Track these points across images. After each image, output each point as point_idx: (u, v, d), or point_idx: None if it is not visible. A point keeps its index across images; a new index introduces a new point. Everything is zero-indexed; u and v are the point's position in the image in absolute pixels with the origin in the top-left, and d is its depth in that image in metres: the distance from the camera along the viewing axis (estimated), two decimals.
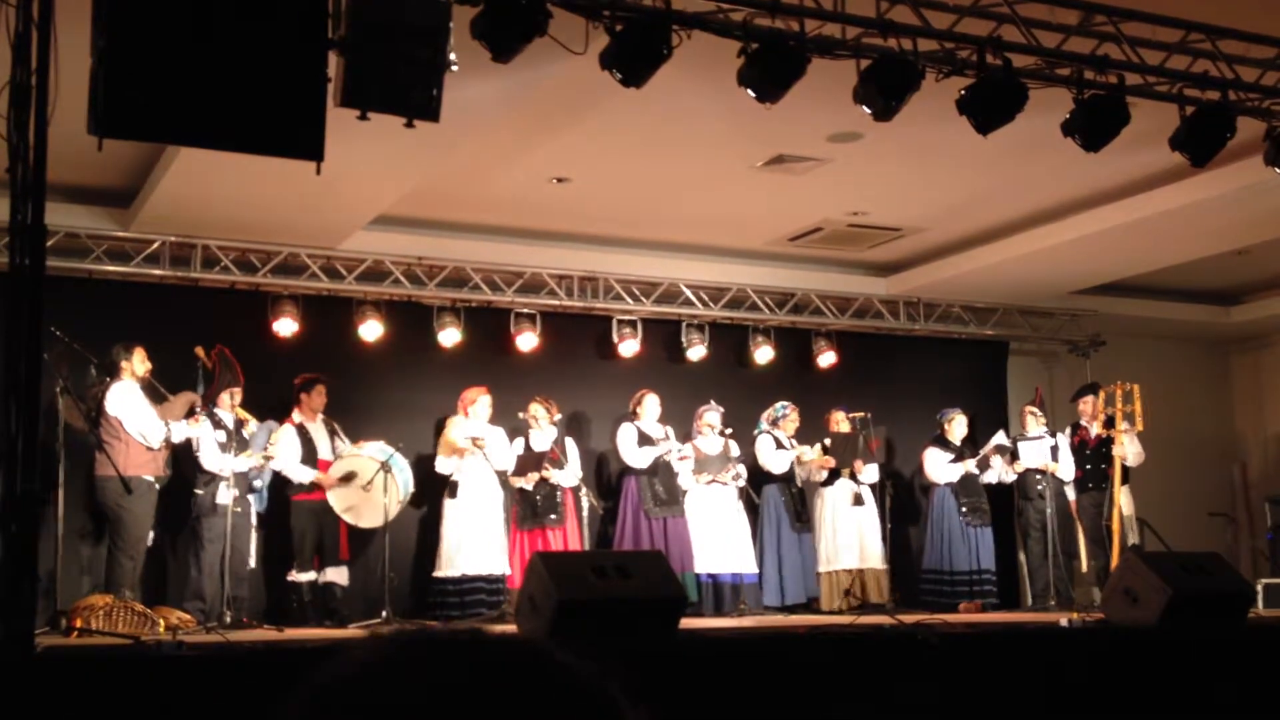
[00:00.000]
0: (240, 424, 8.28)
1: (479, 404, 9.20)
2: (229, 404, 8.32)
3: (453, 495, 9.04)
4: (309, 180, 5.31)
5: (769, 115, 6.35)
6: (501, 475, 9.19)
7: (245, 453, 8.22)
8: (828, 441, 10.25)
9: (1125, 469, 9.94)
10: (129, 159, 8.08)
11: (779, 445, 10.09)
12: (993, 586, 10.32)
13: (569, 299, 10.24)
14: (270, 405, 8.86)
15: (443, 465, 9.09)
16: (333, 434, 8.96)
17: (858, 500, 10.15)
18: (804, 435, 10.25)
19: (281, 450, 8.63)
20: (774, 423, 10.17)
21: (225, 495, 8.15)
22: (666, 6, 5.56)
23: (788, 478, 10.11)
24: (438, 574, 9.01)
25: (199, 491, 8.33)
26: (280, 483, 8.77)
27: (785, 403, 10.21)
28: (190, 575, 8.28)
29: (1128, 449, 9.93)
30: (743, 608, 9.25)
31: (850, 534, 10.10)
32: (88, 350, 7.77)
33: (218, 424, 8.27)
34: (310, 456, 8.77)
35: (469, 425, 9.16)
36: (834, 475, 10.24)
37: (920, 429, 10.93)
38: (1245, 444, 13.25)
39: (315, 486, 8.66)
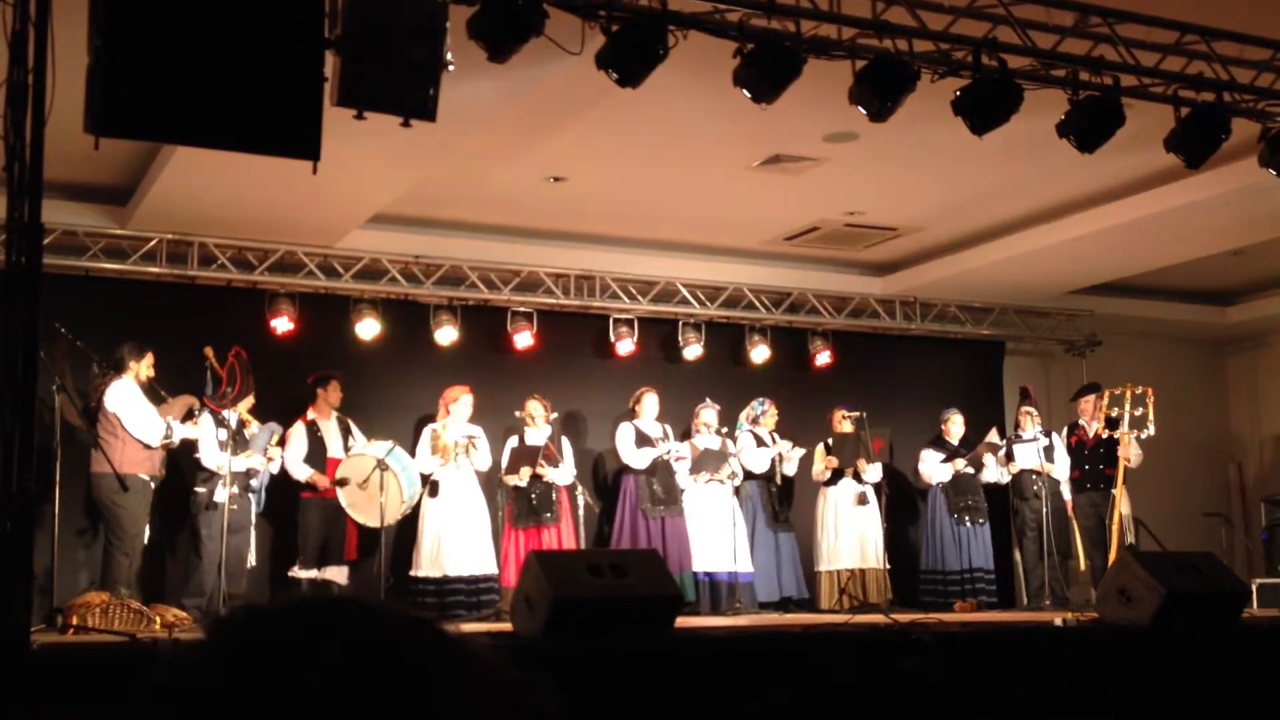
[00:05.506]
0: (242, 424, 8.28)
1: (460, 403, 9.17)
2: (240, 405, 8.31)
3: (433, 494, 9.00)
4: (306, 179, 5.31)
5: (765, 115, 6.36)
6: (483, 475, 9.19)
7: (245, 453, 8.21)
8: (830, 441, 10.26)
9: (1126, 470, 9.93)
10: (126, 157, 8.08)
11: (760, 443, 10.07)
12: (988, 585, 10.33)
13: (565, 298, 10.24)
14: (269, 402, 8.85)
15: (424, 465, 9.03)
16: (346, 432, 8.96)
17: (862, 500, 10.14)
18: (800, 435, 10.24)
19: (289, 447, 8.65)
20: (754, 421, 10.15)
21: (222, 493, 8.15)
22: (662, 7, 5.57)
23: (768, 476, 10.03)
24: (415, 574, 8.94)
25: (199, 490, 8.33)
26: (288, 480, 8.76)
27: (762, 399, 10.19)
28: (191, 573, 8.28)
29: (1133, 451, 9.91)
30: (738, 606, 9.25)
31: (851, 534, 10.09)
32: (88, 348, 7.77)
33: (220, 422, 8.26)
34: (319, 455, 8.76)
35: (456, 427, 9.15)
36: (838, 475, 10.25)
37: (916, 429, 10.93)
38: (1241, 444, 13.27)
39: (311, 486, 8.66)
